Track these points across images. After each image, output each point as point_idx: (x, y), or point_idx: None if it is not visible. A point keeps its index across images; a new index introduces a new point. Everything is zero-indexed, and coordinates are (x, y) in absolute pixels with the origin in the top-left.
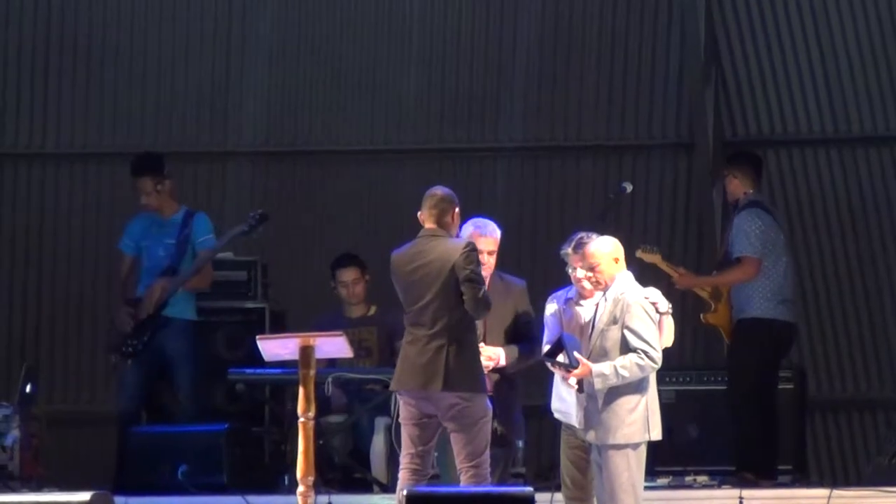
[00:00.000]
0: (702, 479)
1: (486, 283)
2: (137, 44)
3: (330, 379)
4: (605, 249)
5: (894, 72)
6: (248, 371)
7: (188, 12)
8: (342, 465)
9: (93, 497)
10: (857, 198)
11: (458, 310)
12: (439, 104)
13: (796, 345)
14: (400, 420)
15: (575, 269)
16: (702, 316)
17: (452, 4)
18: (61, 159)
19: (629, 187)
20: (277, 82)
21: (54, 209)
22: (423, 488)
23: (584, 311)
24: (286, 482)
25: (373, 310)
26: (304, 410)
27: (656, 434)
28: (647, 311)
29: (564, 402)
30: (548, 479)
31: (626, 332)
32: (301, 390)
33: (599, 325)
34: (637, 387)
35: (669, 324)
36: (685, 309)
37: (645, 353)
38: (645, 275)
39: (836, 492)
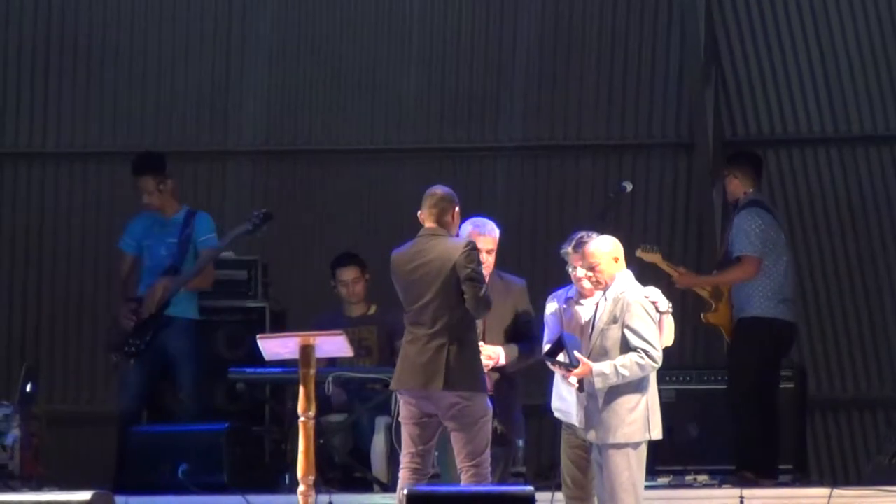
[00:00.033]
0: (702, 478)
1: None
2: (137, 43)
3: (330, 378)
4: (604, 249)
5: (894, 72)
6: (249, 370)
7: (188, 12)
8: (343, 465)
9: (93, 496)
10: (857, 197)
11: (459, 309)
12: (439, 104)
13: (796, 344)
14: (400, 419)
15: (575, 268)
16: (703, 315)
17: (452, 4)
18: (61, 159)
19: (629, 186)
20: (277, 82)
21: (54, 209)
22: (424, 487)
23: (585, 310)
24: (287, 481)
25: (373, 309)
26: (304, 410)
27: (657, 433)
28: (647, 311)
29: (565, 401)
30: (548, 478)
31: (627, 332)
32: (301, 389)
33: (600, 324)
34: (637, 386)
35: (669, 323)
36: (685, 308)
37: (645, 352)
38: (645, 274)
39: (837, 491)
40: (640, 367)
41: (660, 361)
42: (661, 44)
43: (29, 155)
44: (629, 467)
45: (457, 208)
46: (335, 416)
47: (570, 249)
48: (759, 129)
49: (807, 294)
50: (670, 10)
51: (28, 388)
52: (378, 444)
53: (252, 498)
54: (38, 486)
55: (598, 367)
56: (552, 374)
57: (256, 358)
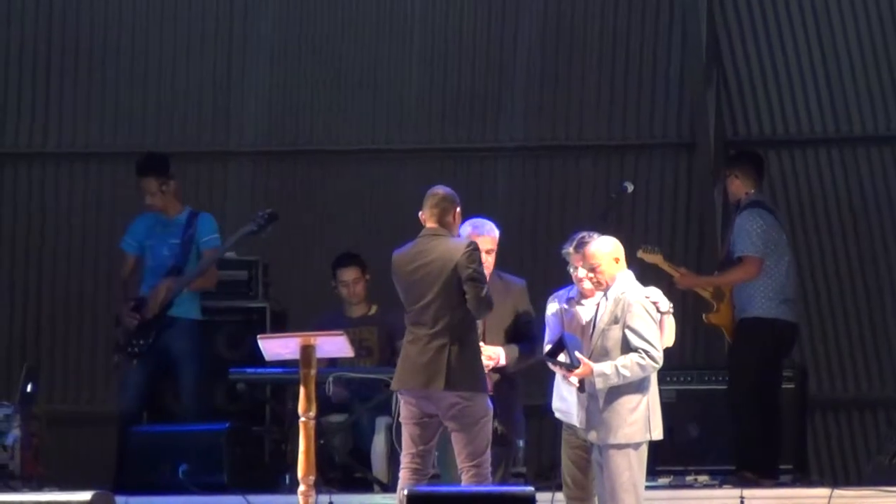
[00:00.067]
0: (703, 478)
1: None
2: (138, 43)
3: (331, 378)
4: (605, 250)
5: (895, 72)
6: (249, 370)
7: (189, 12)
8: (343, 465)
9: (93, 496)
10: (858, 198)
11: (460, 309)
12: (440, 104)
13: (797, 344)
14: (401, 419)
15: (576, 268)
16: (704, 316)
17: (454, 4)
18: (62, 159)
19: (630, 187)
20: (278, 82)
21: (55, 209)
22: (424, 488)
23: (585, 310)
24: (287, 482)
25: (373, 309)
26: (304, 410)
27: (657, 434)
28: (648, 311)
29: (565, 401)
30: (549, 478)
31: (628, 332)
32: (302, 390)
33: (600, 324)
34: (638, 386)
35: (670, 323)
36: (686, 308)
37: (646, 352)
38: (646, 274)
39: (837, 491)
40: (641, 367)
41: (661, 362)
42: (663, 44)
43: (29, 155)
44: (630, 467)
45: (458, 209)
46: (335, 416)
47: (571, 250)
48: (760, 129)
49: (808, 294)
50: (672, 10)
51: (28, 388)
52: (378, 444)
53: (252, 498)
54: (38, 487)
55: (598, 367)
56: (553, 374)
57: (257, 358)
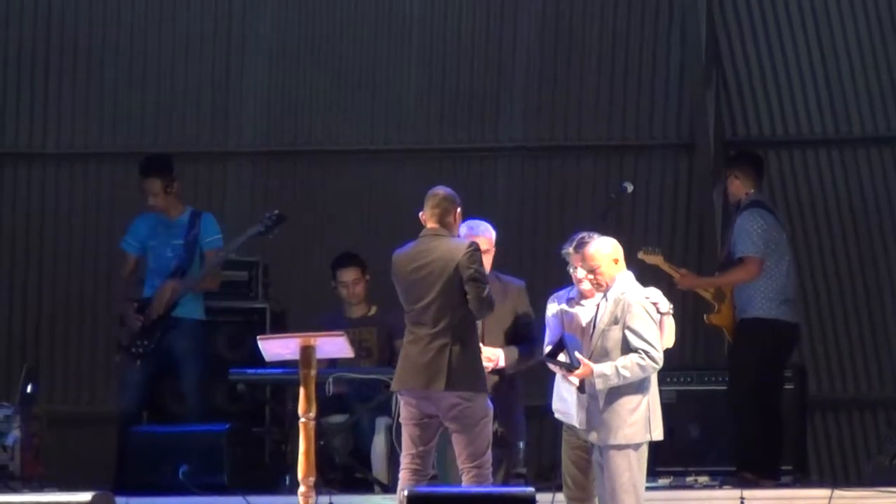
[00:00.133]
0: (703, 479)
1: None
2: (137, 44)
3: (331, 379)
4: (604, 251)
5: (894, 72)
6: (249, 371)
7: (188, 12)
8: (343, 466)
9: (94, 497)
10: (857, 198)
11: (461, 309)
12: (439, 104)
13: (797, 345)
14: (401, 420)
15: (576, 268)
16: (705, 317)
17: (452, 4)
18: (61, 159)
19: (630, 187)
20: (277, 82)
21: (54, 209)
22: (424, 488)
23: (585, 311)
24: (287, 482)
25: (373, 310)
26: (304, 410)
27: (658, 434)
28: (647, 312)
29: (565, 402)
30: (549, 479)
31: (627, 333)
32: (302, 390)
33: (600, 325)
34: (638, 387)
35: (670, 324)
36: (686, 309)
37: (646, 353)
38: (645, 275)
39: (837, 492)
40: (641, 367)
41: (661, 362)
42: (662, 44)
43: (29, 155)
44: (630, 468)
45: (459, 209)
46: (335, 417)
47: (570, 250)
48: (759, 129)
49: (807, 295)
50: (671, 11)
51: (28, 388)
52: (378, 445)
53: (252, 499)
54: (38, 487)
55: (598, 368)
56: (553, 375)
57: (257, 359)
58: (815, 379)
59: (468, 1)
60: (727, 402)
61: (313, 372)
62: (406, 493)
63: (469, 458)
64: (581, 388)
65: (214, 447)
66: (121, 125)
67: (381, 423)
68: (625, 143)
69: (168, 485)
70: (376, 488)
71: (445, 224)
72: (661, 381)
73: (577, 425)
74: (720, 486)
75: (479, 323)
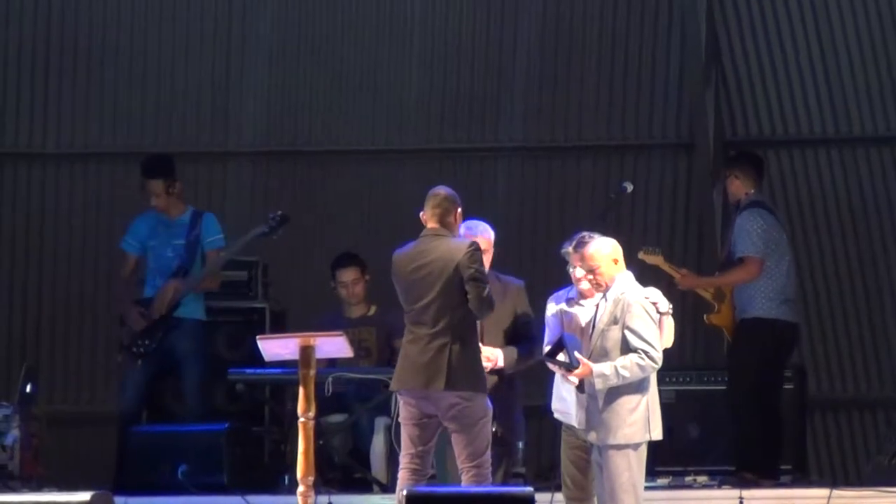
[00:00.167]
0: (702, 479)
1: None
2: (137, 44)
3: (330, 379)
4: (604, 251)
5: (894, 71)
6: (249, 371)
7: (188, 12)
8: (342, 465)
9: (93, 497)
10: (857, 198)
11: (461, 309)
12: (440, 105)
13: (797, 345)
14: (400, 420)
15: (575, 267)
16: (706, 317)
17: (453, 6)
18: (61, 159)
19: (630, 187)
20: (278, 82)
21: (54, 209)
22: (423, 488)
23: (585, 311)
24: (286, 482)
25: (373, 310)
26: (304, 410)
27: (657, 434)
28: (647, 311)
29: (564, 402)
30: (548, 479)
31: (627, 333)
32: (301, 390)
33: (600, 325)
34: (638, 387)
35: (669, 324)
36: (685, 309)
37: (645, 353)
38: (645, 275)
39: (837, 492)
40: (641, 367)
41: (660, 362)
42: (662, 45)
43: (29, 155)
44: (629, 468)
45: (459, 209)
46: (335, 416)
47: (570, 249)
48: (759, 129)
49: (807, 295)
50: (671, 11)
51: (28, 388)
52: (377, 444)
53: (252, 498)
54: (37, 487)
55: (598, 367)
56: (552, 374)
57: (256, 358)
58: (815, 379)
59: (469, 3)
60: (727, 401)
61: (312, 372)
62: (405, 492)
63: (469, 458)
64: (580, 388)
65: (214, 447)
66: (121, 125)
67: (381, 422)
68: (624, 143)
69: (167, 484)
70: (375, 488)
71: (446, 224)
72: (660, 381)
73: (576, 425)
74: (719, 486)
75: (478, 323)
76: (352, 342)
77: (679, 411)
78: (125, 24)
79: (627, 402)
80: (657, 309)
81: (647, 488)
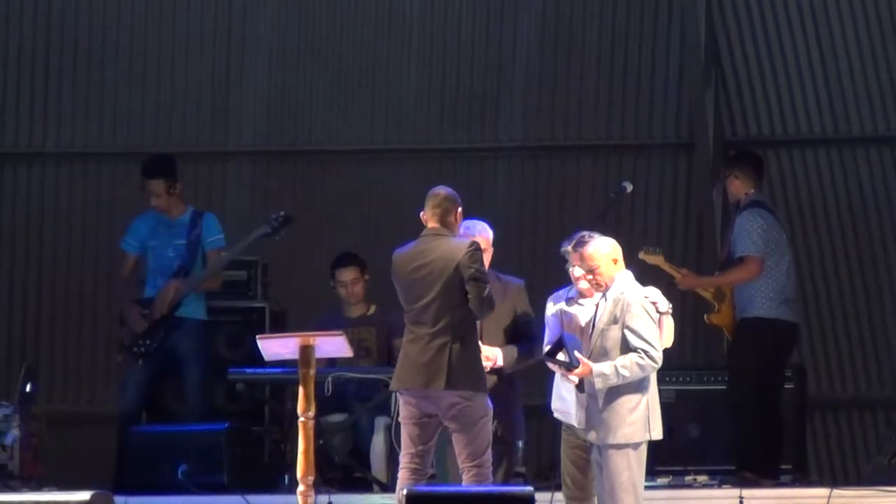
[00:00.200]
0: (702, 478)
1: None
2: (137, 44)
3: (330, 378)
4: (603, 251)
5: (894, 72)
6: (249, 370)
7: (188, 12)
8: (342, 465)
9: (93, 496)
10: (857, 198)
11: (461, 309)
12: (439, 104)
13: (797, 344)
14: (400, 419)
15: (574, 266)
16: (706, 317)
17: (452, 4)
18: (61, 159)
19: (629, 187)
20: (277, 82)
21: (54, 209)
22: (423, 488)
23: (585, 311)
24: (286, 481)
25: (372, 309)
26: (304, 410)
27: (657, 433)
28: (647, 311)
29: (564, 401)
30: (548, 478)
31: (627, 332)
32: (301, 390)
33: (600, 325)
34: (638, 386)
35: (669, 323)
36: (685, 308)
37: (645, 352)
38: (645, 275)
39: (837, 491)
40: (641, 367)
41: (660, 362)
42: (662, 44)
43: (29, 155)
44: (629, 467)
45: (460, 209)
46: (335, 416)
47: (569, 248)
48: (759, 129)
49: (807, 295)
50: (670, 11)
51: (28, 388)
52: (377, 444)
53: (252, 498)
54: (37, 487)
55: (598, 367)
56: (552, 374)
57: (256, 358)
58: (815, 379)
59: (468, 1)
60: (727, 401)
61: (312, 371)
62: (405, 492)
63: (469, 458)
64: (580, 388)
65: (214, 447)
66: (121, 125)
67: (381, 422)
68: (624, 142)
69: (167, 484)
70: (375, 487)
71: (446, 224)
72: (660, 381)
73: (576, 425)
74: (719, 486)
75: (477, 322)
76: (351, 342)
77: (679, 411)
78: (125, 24)
79: (627, 401)
80: (657, 308)
81: (647, 488)
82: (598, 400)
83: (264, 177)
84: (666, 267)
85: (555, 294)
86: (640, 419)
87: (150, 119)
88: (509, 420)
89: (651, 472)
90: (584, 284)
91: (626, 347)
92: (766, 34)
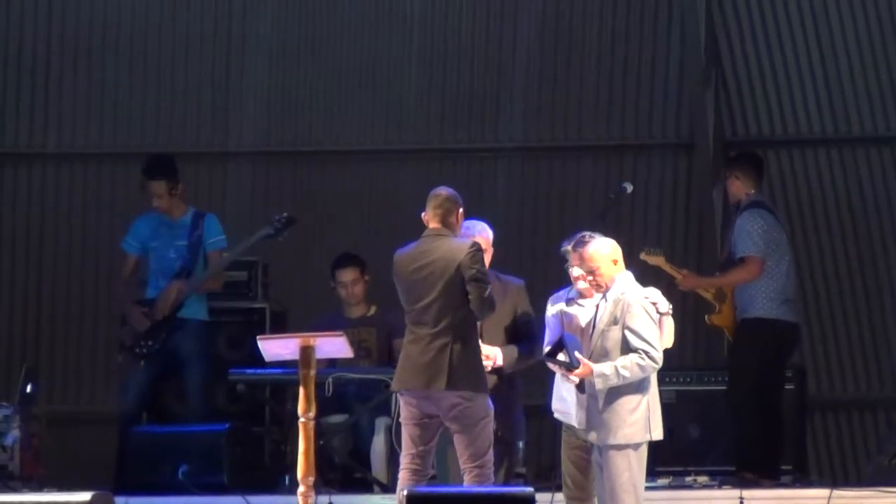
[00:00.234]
0: (702, 479)
1: None
2: (137, 44)
3: (330, 379)
4: (603, 252)
5: (894, 72)
6: (249, 371)
7: (188, 12)
8: (342, 466)
9: (93, 497)
10: (857, 198)
11: (462, 309)
12: (440, 104)
13: (797, 345)
14: (401, 420)
15: (573, 266)
16: (707, 317)
17: (453, 4)
18: (61, 159)
19: (629, 187)
20: (277, 82)
21: (54, 209)
22: (424, 488)
23: (585, 311)
24: (286, 482)
25: (373, 310)
26: (304, 410)
27: (657, 434)
28: (647, 312)
29: (565, 402)
30: (548, 479)
31: (627, 333)
32: (301, 390)
33: (600, 325)
34: (638, 387)
35: (669, 324)
36: (686, 309)
37: (646, 353)
38: (645, 275)
39: (837, 492)
40: (641, 367)
41: (660, 362)
42: (662, 44)
43: (29, 156)
44: (630, 468)
45: (461, 209)
46: (335, 416)
47: (569, 247)
48: (759, 129)
49: (807, 295)
50: (670, 11)
51: (28, 388)
52: (378, 444)
53: (252, 499)
54: (38, 487)
55: (598, 367)
56: (552, 374)
57: (257, 359)
58: (815, 379)
59: (468, 1)
60: (727, 402)
61: (313, 372)
62: (405, 492)
63: (471, 458)
64: (581, 388)
65: (214, 447)
66: (121, 125)
67: (381, 423)
68: (624, 142)
69: (168, 485)
70: (376, 488)
71: (448, 224)
72: (660, 381)
73: (576, 425)
74: (720, 486)
75: (478, 322)
76: (352, 342)
77: (679, 411)
78: (125, 24)
79: (628, 402)
80: (657, 309)
81: (647, 488)
82: (599, 400)
83: (264, 177)
84: (667, 268)
85: (555, 294)
86: (641, 420)
87: (150, 119)
88: (510, 420)
89: (651, 473)
90: (582, 284)
91: (626, 348)
92: (766, 34)
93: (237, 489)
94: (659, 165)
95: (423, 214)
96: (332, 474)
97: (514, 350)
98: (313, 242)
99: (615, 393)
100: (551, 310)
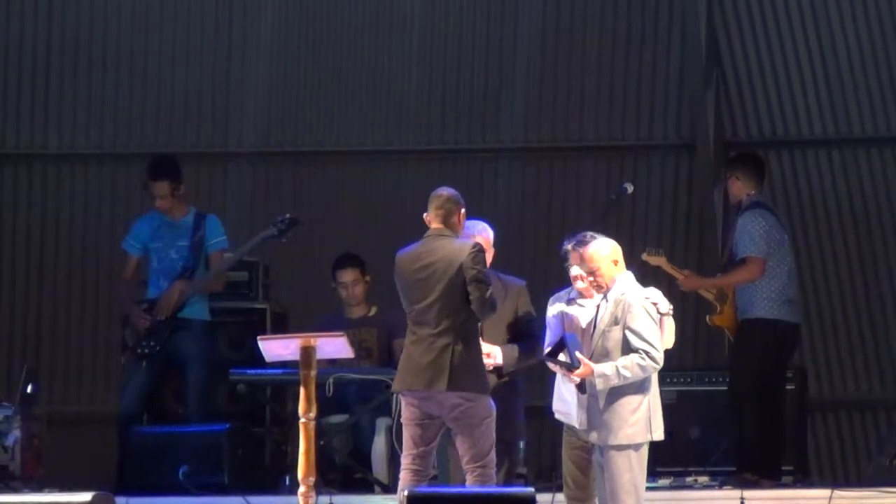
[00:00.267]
0: (703, 479)
1: None
2: (137, 44)
3: (331, 379)
4: (603, 252)
5: (894, 72)
6: (250, 372)
7: (188, 12)
8: (343, 466)
9: (94, 497)
10: (857, 199)
11: (464, 310)
12: (440, 105)
13: (798, 345)
14: (402, 420)
15: (572, 266)
16: (708, 318)
17: (453, 5)
18: (62, 160)
19: (630, 188)
20: (278, 82)
21: (55, 209)
22: (425, 489)
23: (585, 311)
24: (287, 483)
25: (373, 310)
26: (305, 411)
27: (658, 434)
28: (648, 312)
29: (566, 402)
30: (549, 479)
31: (628, 333)
32: (302, 391)
33: (601, 325)
34: (639, 387)
35: (670, 324)
36: (686, 310)
37: (646, 353)
38: (646, 276)
39: (837, 492)
40: (642, 368)
41: (661, 362)
42: (662, 45)
43: (29, 156)
44: (630, 468)
45: (463, 209)
46: (336, 417)
47: (570, 247)
48: (759, 130)
49: (808, 295)
50: (671, 11)
51: (29, 388)
52: (379, 445)
53: (252, 499)
54: (38, 487)
55: (599, 368)
56: (553, 374)
57: (257, 359)
58: (816, 380)
59: (468, 1)
60: (728, 402)
61: (313, 372)
62: (406, 493)
63: (473, 459)
64: (581, 389)
65: (214, 447)
66: (121, 126)
67: (382, 423)
68: (625, 143)
69: (168, 485)
70: (376, 488)
71: (449, 225)
72: (661, 382)
73: (577, 426)
74: (720, 487)
75: (479, 323)
76: (352, 343)
77: (680, 412)
78: (125, 24)
79: (629, 402)
80: (658, 309)
81: (648, 489)
82: (600, 401)
83: (264, 177)
84: (668, 268)
85: (556, 294)
86: (642, 420)
87: (150, 120)
88: (510, 421)
89: (652, 473)
90: (581, 284)
91: (627, 348)
92: (767, 34)
93: (238, 489)
94: (659, 166)
95: (425, 215)
96: (332, 475)
97: (514, 349)
98: (313, 242)
99: (616, 393)
100: (552, 310)
